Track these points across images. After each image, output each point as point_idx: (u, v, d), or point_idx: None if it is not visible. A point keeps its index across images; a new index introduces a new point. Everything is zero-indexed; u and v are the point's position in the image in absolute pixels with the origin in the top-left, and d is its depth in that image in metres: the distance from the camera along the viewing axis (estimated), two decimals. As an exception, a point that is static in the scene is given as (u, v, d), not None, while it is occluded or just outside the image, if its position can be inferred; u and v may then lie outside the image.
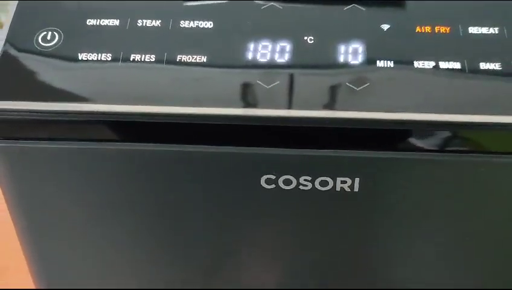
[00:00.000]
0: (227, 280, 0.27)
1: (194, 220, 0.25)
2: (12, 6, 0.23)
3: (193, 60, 0.22)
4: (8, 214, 0.26)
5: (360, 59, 0.22)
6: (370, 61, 0.21)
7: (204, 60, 0.22)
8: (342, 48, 0.22)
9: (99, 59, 0.22)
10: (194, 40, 0.22)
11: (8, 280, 0.45)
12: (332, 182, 0.22)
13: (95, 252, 0.27)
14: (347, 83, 0.21)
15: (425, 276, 0.26)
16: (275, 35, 0.22)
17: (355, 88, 0.21)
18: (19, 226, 0.27)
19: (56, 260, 0.27)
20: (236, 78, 0.21)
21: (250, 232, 0.25)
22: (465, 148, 0.22)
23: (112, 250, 0.26)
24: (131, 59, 0.22)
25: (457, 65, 0.21)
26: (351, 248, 0.26)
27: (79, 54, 0.22)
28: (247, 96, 0.22)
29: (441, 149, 0.22)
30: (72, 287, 0.28)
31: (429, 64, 0.21)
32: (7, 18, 0.23)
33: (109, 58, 0.22)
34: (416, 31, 0.22)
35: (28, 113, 0.21)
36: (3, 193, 0.25)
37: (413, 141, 0.21)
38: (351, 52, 0.22)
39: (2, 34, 0.23)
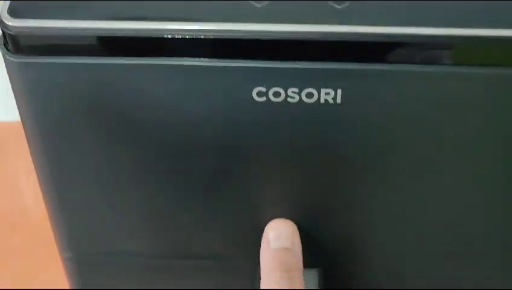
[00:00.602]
0: (224, 198, 0.29)
1: (192, 137, 0.27)
2: None
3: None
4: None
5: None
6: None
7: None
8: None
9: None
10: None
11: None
12: (317, 94, 0.25)
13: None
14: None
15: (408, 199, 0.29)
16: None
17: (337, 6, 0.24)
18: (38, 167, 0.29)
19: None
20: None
21: (244, 149, 0.27)
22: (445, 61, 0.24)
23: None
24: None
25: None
26: (339, 168, 0.28)
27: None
28: (239, 13, 0.24)
29: (422, 62, 0.24)
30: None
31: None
32: None
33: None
34: None
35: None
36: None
37: (394, 52, 0.24)
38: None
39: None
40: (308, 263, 0.30)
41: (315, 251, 0.31)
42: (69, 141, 0.27)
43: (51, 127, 0.27)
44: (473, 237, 0.30)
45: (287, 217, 0.30)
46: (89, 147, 0.27)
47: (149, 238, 0.31)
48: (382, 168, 0.27)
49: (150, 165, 0.28)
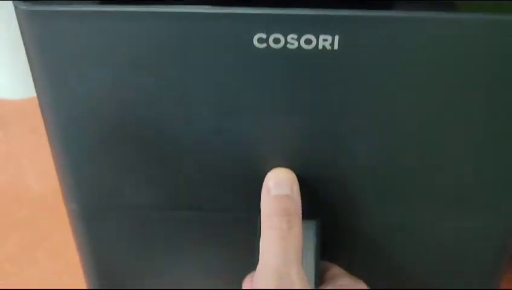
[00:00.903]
0: (225, 148, 0.30)
1: (194, 84, 0.28)
2: None
3: None
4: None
5: None
6: None
7: None
8: None
9: None
10: None
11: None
12: (315, 40, 0.26)
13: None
14: None
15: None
16: None
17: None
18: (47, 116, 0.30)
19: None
20: None
21: (245, 97, 0.28)
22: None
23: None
24: None
25: None
26: (337, 115, 0.29)
27: None
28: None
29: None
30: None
31: None
32: None
33: None
34: None
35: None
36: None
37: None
38: None
39: None
40: (306, 215, 0.31)
41: (313, 202, 0.32)
42: (78, 88, 0.28)
43: (60, 75, 0.28)
44: (464, 185, 0.31)
45: (286, 167, 0.31)
46: (96, 94, 0.29)
47: (152, 189, 0.32)
48: (378, 114, 0.29)
49: (154, 111, 0.29)
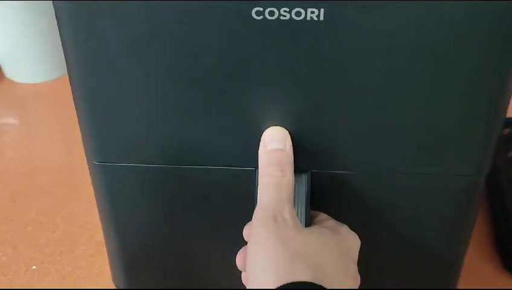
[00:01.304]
0: (226, 109, 0.35)
1: (199, 52, 0.33)
2: None
3: None
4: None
5: None
6: None
7: None
8: None
9: None
10: None
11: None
12: (304, 13, 0.31)
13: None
14: None
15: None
16: None
17: None
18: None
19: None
20: None
21: (245, 63, 0.33)
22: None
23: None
24: None
25: None
26: (325, 79, 0.33)
27: None
28: None
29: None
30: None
31: None
32: None
33: None
34: None
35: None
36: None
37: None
38: None
39: None
40: (299, 168, 0.36)
41: (305, 157, 0.36)
42: (98, 43, 0.33)
43: (81, 30, 0.33)
44: (431, 137, 0.35)
45: (281, 125, 0.36)
46: (115, 49, 0.33)
47: (165, 145, 0.37)
48: (358, 76, 0.33)
49: (165, 76, 0.34)
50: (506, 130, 0.66)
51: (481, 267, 0.53)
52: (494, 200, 0.59)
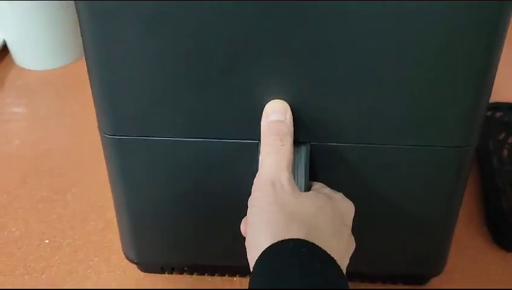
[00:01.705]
0: (231, 85, 0.37)
1: (206, 29, 0.35)
2: None
3: None
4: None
5: None
6: None
7: None
8: None
9: None
10: None
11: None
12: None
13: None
14: None
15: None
16: None
17: None
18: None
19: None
20: None
21: (249, 43, 0.36)
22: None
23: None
24: None
25: None
26: (321, 56, 0.36)
27: None
28: None
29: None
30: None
31: None
32: None
33: None
34: None
35: None
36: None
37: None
38: None
39: None
40: (299, 139, 0.39)
41: (304, 128, 0.39)
42: (113, 21, 0.35)
43: (97, 11, 0.35)
44: (421, 110, 0.38)
45: (282, 99, 0.38)
46: (128, 28, 0.36)
47: (174, 119, 0.40)
48: (357, 55, 0.36)
49: (175, 52, 0.36)
50: (498, 114, 0.69)
51: (472, 242, 0.56)
52: (486, 180, 0.61)
